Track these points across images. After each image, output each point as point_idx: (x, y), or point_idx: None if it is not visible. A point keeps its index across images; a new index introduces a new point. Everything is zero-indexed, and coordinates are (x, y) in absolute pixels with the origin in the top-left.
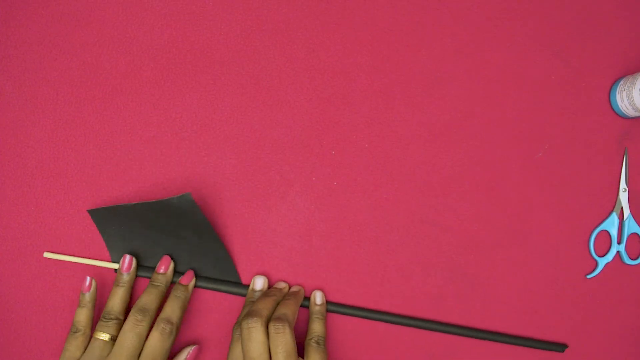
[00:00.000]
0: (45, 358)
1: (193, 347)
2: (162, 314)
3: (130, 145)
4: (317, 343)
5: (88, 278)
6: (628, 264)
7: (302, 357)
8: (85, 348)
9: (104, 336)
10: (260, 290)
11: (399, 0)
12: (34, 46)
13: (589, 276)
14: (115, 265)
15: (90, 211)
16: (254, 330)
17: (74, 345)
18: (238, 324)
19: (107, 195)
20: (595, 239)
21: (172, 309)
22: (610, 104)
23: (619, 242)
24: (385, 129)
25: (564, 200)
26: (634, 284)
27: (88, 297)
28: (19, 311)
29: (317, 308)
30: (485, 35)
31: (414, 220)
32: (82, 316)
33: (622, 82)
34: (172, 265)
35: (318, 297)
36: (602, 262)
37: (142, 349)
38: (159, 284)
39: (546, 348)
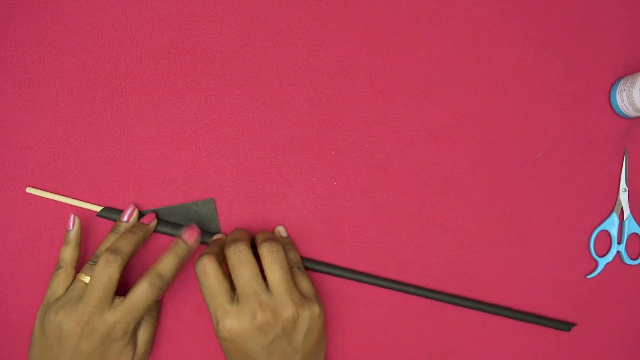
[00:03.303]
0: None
1: None
2: (157, 266)
3: (130, 146)
4: (299, 269)
5: (72, 216)
6: (628, 264)
7: None
8: (68, 286)
9: (86, 278)
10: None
11: (399, 1)
12: (34, 46)
13: (589, 276)
14: (98, 208)
15: (100, 214)
16: (244, 252)
17: (56, 282)
18: (200, 259)
19: (107, 195)
20: (595, 239)
21: (167, 264)
22: (610, 104)
23: (619, 242)
24: (385, 129)
25: (564, 200)
26: (634, 284)
27: (72, 234)
28: (20, 312)
29: (286, 240)
30: (485, 35)
31: (414, 220)
32: (65, 253)
33: (622, 82)
34: (155, 221)
35: (282, 231)
36: (602, 262)
37: (126, 294)
38: (138, 231)
39: (552, 326)
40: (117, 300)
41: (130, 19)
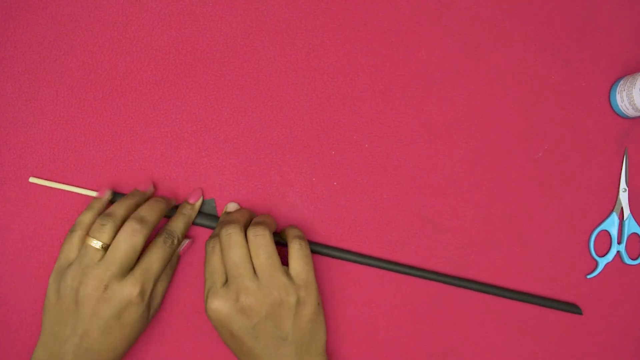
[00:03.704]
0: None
1: (186, 241)
2: (166, 226)
3: (130, 146)
4: (300, 245)
5: (108, 190)
6: (628, 264)
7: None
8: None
9: (96, 243)
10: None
11: (399, 1)
12: (34, 46)
13: (589, 276)
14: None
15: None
16: (234, 235)
17: (69, 245)
18: (212, 238)
19: None
20: (595, 239)
21: (175, 223)
22: (610, 104)
23: (619, 242)
24: (385, 129)
25: (564, 200)
26: (634, 284)
27: (101, 202)
28: (20, 312)
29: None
30: (485, 35)
31: (414, 220)
32: (85, 217)
33: (622, 82)
34: (173, 201)
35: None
36: (602, 262)
37: (138, 258)
38: (162, 200)
39: (561, 309)
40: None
41: (130, 19)
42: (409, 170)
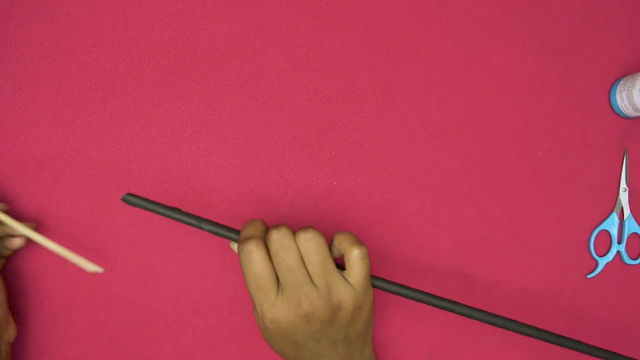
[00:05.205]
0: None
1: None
2: None
3: (130, 146)
4: (362, 253)
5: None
6: (628, 264)
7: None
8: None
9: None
10: None
11: (399, 1)
12: (34, 46)
13: (589, 276)
14: (98, 269)
15: (124, 199)
16: (287, 239)
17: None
18: (244, 243)
19: (108, 195)
20: (596, 238)
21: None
22: (610, 104)
23: (619, 242)
24: (385, 129)
25: (564, 200)
26: (634, 284)
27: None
28: (20, 312)
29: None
30: (485, 35)
31: (414, 220)
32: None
33: (622, 82)
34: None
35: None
36: (602, 262)
37: None
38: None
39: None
40: None
41: (130, 19)
42: (409, 170)
